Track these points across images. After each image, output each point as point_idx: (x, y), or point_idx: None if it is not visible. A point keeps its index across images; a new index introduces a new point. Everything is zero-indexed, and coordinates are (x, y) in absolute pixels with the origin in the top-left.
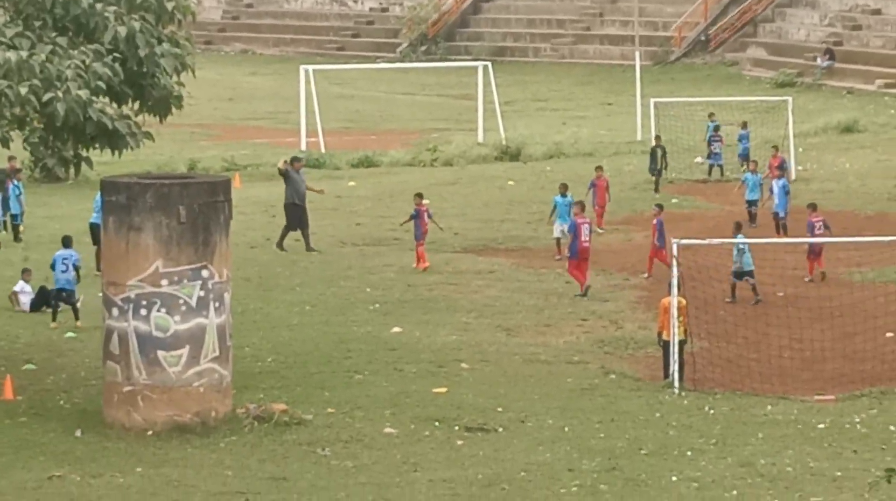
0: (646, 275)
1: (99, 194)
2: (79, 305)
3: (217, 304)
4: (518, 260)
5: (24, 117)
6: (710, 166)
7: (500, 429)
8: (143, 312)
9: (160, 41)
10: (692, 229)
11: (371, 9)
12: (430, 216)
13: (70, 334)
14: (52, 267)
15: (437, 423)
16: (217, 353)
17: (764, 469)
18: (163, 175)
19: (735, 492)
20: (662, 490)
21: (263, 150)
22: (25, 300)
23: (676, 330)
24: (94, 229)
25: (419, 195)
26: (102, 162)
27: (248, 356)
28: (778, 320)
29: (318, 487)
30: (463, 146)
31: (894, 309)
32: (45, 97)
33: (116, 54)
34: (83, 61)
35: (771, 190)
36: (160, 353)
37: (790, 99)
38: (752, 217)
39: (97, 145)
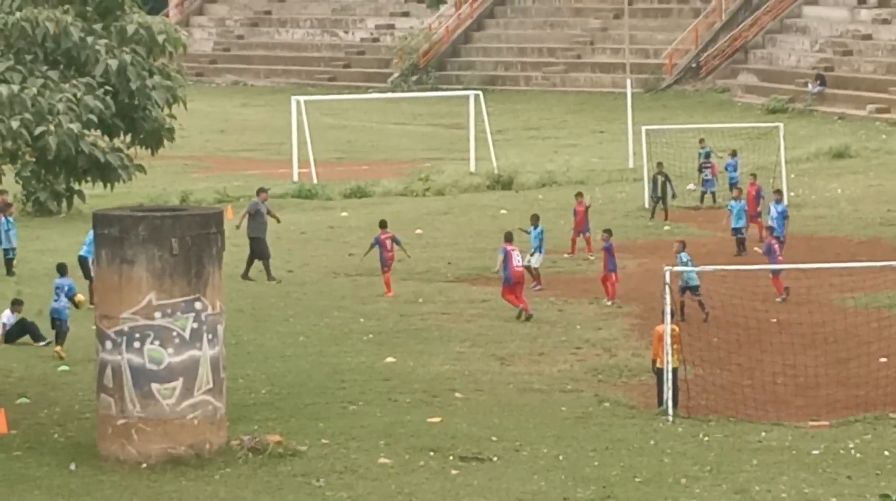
0: (609, 302)
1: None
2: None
3: (210, 336)
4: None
5: (16, 151)
6: (703, 193)
7: (495, 458)
8: (137, 344)
9: (151, 74)
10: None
11: (362, 39)
12: (397, 243)
13: (63, 367)
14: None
15: (431, 453)
16: (211, 385)
17: (759, 496)
18: (155, 208)
19: None
20: None
21: (255, 181)
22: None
23: (670, 358)
24: (83, 263)
25: (383, 224)
26: (95, 195)
27: (241, 388)
28: (771, 346)
29: None
30: (455, 175)
31: (888, 334)
32: (37, 131)
33: (108, 87)
34: (74, 95)
35: (769, 212)
36: (154, 386)
37: (781, 125)
38: (740, 244)
39: (89, 179)
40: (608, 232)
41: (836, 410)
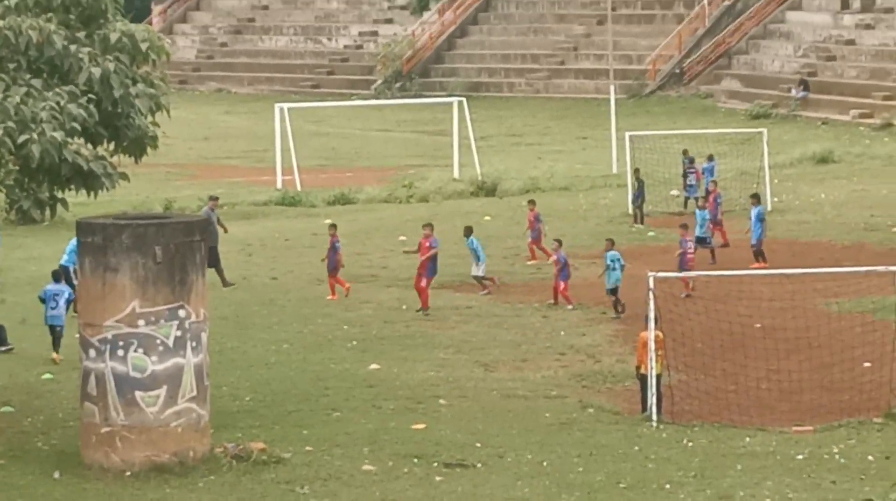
0: (570, 306)
1: (75, 239)
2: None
3: (194, 343)
4: (494, 295)
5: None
6: (686, 199)
7: (479, 465)
8: (121, 352)
9: (135, 82)
10: (668, 261)
11: (345, 46)
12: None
13: (47, 375)
14: (43, 301)
15: (415, 459)
16: (195, 392)
17: None
18: (139, 215)
19: None
20: None
21: (239, 189)
22: None
23: (654, 363)
24: (65, 272)
25: (334, 226)
26: (78, 203)
27: (225, 395)
28: (755, 351)
29: None
30: (439, 182)
31: (871, 339)
32: (20, 139)
33: (91, 95)
34: (58, 103)
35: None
36: (138, 393)
37: (765, 130)
38: (711, 253)
39: (73, 187)
40: (559, 242)
41: (821, 415)
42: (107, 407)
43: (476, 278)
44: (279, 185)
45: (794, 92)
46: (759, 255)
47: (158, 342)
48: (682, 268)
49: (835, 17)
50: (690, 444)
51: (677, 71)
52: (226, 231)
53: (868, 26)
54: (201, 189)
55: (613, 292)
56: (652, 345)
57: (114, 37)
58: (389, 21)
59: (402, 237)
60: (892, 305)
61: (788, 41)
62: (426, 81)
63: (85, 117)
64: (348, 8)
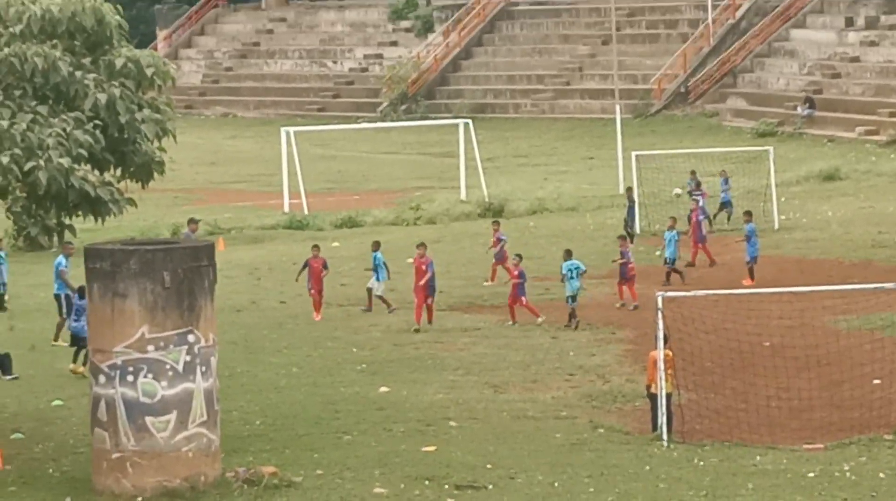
0: (539, 319)
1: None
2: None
3: (204, 368)
4: (503, 317)
5: (7, 186)
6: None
7: (490, 486)
8: (130, 378)
9: (140, 107)
10: (675, 280)
11: (351, 69)
12: (325, 267)
13: (57, 402)
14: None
15: (426, 482)
16: (205, 417)
17: None
18: (146, 241)
19: None
20: None
21: (247, 213)
22: None
23: (664, 383)
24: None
25: (317, 247)
26: (85, 229)
27: (236, 420)
28: (765, 370)
29: None
30: (446, 204)
31: (881, 356)
32: (27, 166)
33: (97, 121)
34: (64, 129)
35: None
36: (148, 419)
37: (771, 149)
38: (668, 276)
39: (80, 213)
40: (519, 257)
41: (831, 432)
42: (117, 433)
43: (376, 295)
44: (286, 208)
45: (799, 110)
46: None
47: (168, 367)
48: (623, 278)
49: (839, 35)
50: (701, 463)
51: (682, 90)
52: None
53: (873, 43)
54: (209, 214)
55: (573, 299)
56: (661, 364)
57: (119, 62)
58: (394, 44)
59: (410, 260)
60: None
61: (793, 59)
62: (432, 103)
63: (91, 143)
64: (353, 31)
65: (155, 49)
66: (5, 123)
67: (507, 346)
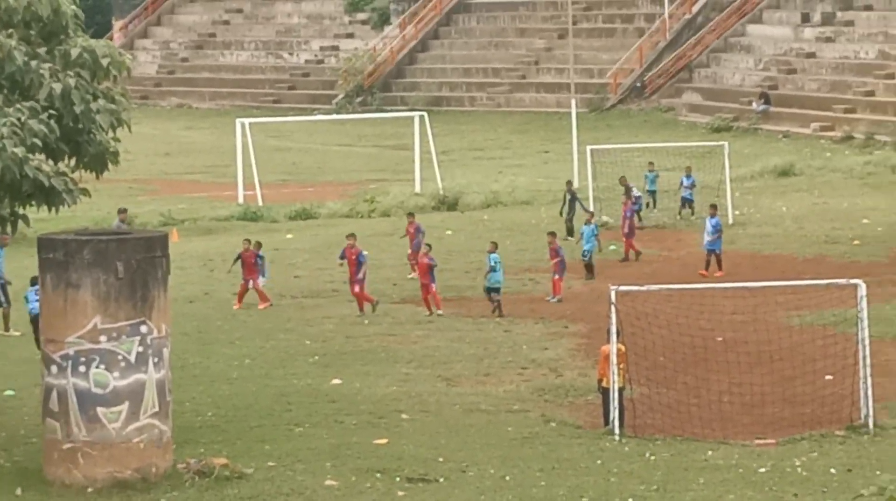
0: (428, 313)
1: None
2: None
3: (156, 359)
4: (457, 310)
5: None
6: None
7: (442, 479)
8: (83, 369)
9: (96, 97)
10: (629, 275)
11: (307, 61)
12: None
13: (9, 392)
14: (27, 300)
15: (378, 474)
16: (157, 408)
17: None
18: (100, 231)
19: None
20: None
21: (201, 204)
22: None
23: (616, 377)
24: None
25: (248, 241)
26: (39, 219)
27: (188, 411)
28: (717, 365)
29: None
30: (400, 197)
31: (833, 352)
32: None
33: (52, 111)
34: (19, 119)
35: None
36: (100, 409)
37: (726, 144)
38: (589, 269)
39: (34, 203)
40: (429, 246)
41: (783, 428)
42: (69, 424)
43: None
44: (241, 200)
45: (755, 105)
46: (710, 262)
47: (120, 358)
48: (562, 273)
49: (795, 31)
50: (653, 458)
51: (638, 84)
52: None
53: (828, 39)
54: (163, 204)
55: (496, 290)
56: (614, 359)
57: (74, 52)
58: (350, 36)
59: (365, 252)
60: (852, 317)
61: (749, 54)
62: (387, 96)
63: (46, 133)
64: (309, 23)
65: (111, 39)
66: None
67: (461, 339)
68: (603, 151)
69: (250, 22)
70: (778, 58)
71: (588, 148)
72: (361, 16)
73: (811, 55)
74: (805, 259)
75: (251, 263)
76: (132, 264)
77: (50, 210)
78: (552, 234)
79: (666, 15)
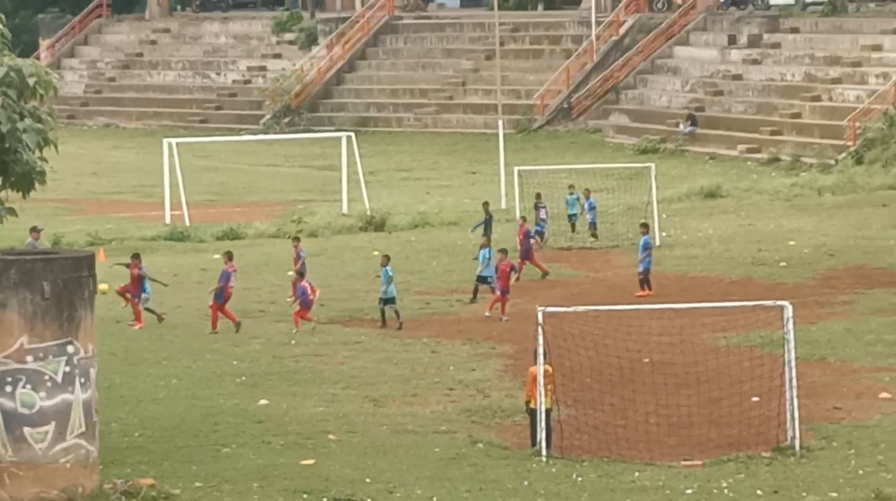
0: (295, 330)
1: None
2: None
3: (83, 379)
4: (383, 331)
5: None
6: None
7: (369, 500)
8: (9, 389)
9: (22, 117)
10: (556, 296)
11: (234, 81)
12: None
13: None
14: None
15: (305, 495)
16: (83, 428)
17: None
18: (26, 251)
19: None
20: None
21: (128, 224)
22: None
23: (543, 398)
24: None
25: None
26: None
27: (114, 431)
28: (644, 386)
29: None
30: (328, 217)
31: (759, 374)
32: None
33: None
34: None
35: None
36: (26, 430)
37: (653, 165)
38: (475, 293)
39: None
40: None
41: (709, 449)
42: None
43: (146, 308)
44: (167, 220)
45: (681, 127)
46: (644, 282)
47: (47, 378)
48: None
49: (722, 53)
50: (580, 479)
51: (565, 106)
52: None
53: (755, 61)
54: (90, 224)
55: (392, 300)
56: (541, 380)
57: (1, 72)
58: (278, 56)
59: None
60: (779, 339)
61: (676, 76)
62: (315, 116)
63: None
64: (236, 43)
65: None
66: None
67: (387, 360)
68: (530, 172)
69: (178, 42)
70: (705, 80)
71: (515, 169)
72: (289, 36)
73: (738, 77)
74: (732, 281)
75: (134, 276)
76: (59, 284)
77: None
78: (503, 251)
79: (593, 37)
